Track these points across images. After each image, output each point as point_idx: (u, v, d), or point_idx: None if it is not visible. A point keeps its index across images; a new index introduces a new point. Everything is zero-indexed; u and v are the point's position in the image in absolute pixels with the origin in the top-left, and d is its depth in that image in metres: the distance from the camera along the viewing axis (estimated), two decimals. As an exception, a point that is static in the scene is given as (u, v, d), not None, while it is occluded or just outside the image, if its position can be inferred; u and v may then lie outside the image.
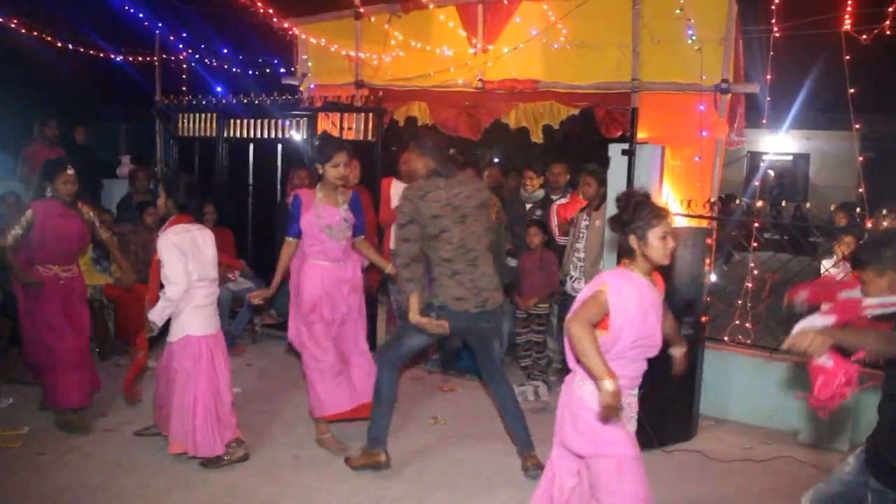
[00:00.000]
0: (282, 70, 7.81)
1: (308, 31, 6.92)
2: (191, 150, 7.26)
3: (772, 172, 12.51)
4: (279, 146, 6.83)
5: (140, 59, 8.61)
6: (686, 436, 4.58)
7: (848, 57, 4.96)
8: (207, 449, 3.87)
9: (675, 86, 5.26)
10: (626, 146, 4.74)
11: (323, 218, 4.07)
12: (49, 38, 7.95)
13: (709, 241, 4.73)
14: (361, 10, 6.54)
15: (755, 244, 5.31)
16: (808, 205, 11.41)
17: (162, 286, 3.86)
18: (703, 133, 5.08)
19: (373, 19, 6.52)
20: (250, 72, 8.65)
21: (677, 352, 3.04)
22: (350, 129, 6.38)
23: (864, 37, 5.00)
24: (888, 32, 5.02)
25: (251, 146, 6.98)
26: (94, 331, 5.73)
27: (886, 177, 7.45)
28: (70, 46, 8.23)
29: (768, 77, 5.34)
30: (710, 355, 4.84)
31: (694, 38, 5.05)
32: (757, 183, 8.09)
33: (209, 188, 6.95)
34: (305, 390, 4.32)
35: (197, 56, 8.53)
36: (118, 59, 8.73)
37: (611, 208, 3.55)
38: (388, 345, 4.10)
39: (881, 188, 5.88)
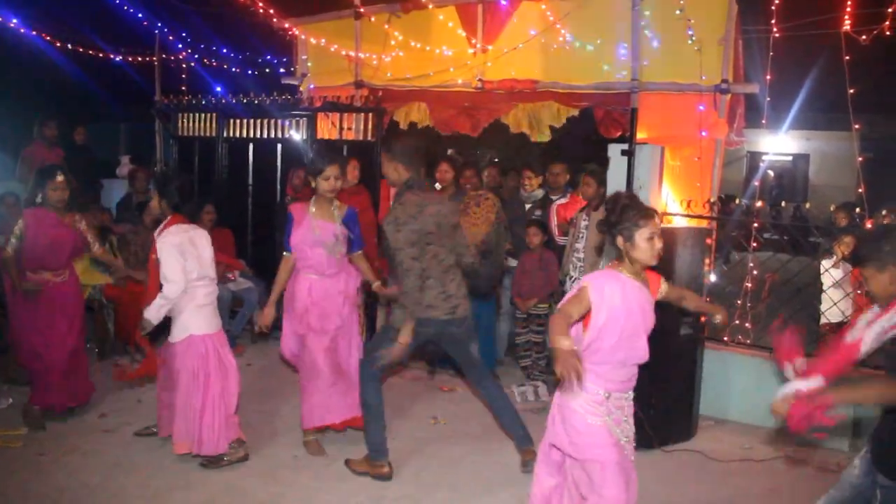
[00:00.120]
0: (281, 70, 7.83)
1: (308, 32, 6.92)
2: (190, 150, 7.27)
3: (771, 173, 12.48)
4: (279, 146, 6.82)
5: (140, 58, 8.63)
6: (686, 436, 4.59)
7: (847, 57, 4.97)
8: (212, 446, 3.87)
9: (675, 86, 5.26)
10: (625, 146, 4.74)
11: (317, 232, 4.05)
12: (49, 38, 7.96)
13: (708, 241, 4.73)
14: (361, 10, 6.54)
15: (755, 244, 5.30)
16: (807, 205, 11.41)
17: (161, 286, 3.86)
18: (703, 133, 5.08)
19: (372, 19, 6.52)
20: (250, 72, 8.67)
21: (719, 317, 3.09)
22: (350, 129, 6.38)
23: (864, 37, 5.01)
24: (888, 33, 5.04)
25: (251, 146, 6.98)
26: (93, 331, 5.79)
27: (886, 177, 7.47)
28: (70, 46, 8.24)
29: (768, 77, 5.33)
30: (710, 355, 4.84)
31: (694, 38, 5.05)
32: (756, 183, 8.06)
33: (209, 188, 6.95)
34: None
35: (196, 56, 8.55)
36: (118, 59, 8.74)
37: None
38: (365, 358, 4.03)
39: (881, 188, 5.88)
